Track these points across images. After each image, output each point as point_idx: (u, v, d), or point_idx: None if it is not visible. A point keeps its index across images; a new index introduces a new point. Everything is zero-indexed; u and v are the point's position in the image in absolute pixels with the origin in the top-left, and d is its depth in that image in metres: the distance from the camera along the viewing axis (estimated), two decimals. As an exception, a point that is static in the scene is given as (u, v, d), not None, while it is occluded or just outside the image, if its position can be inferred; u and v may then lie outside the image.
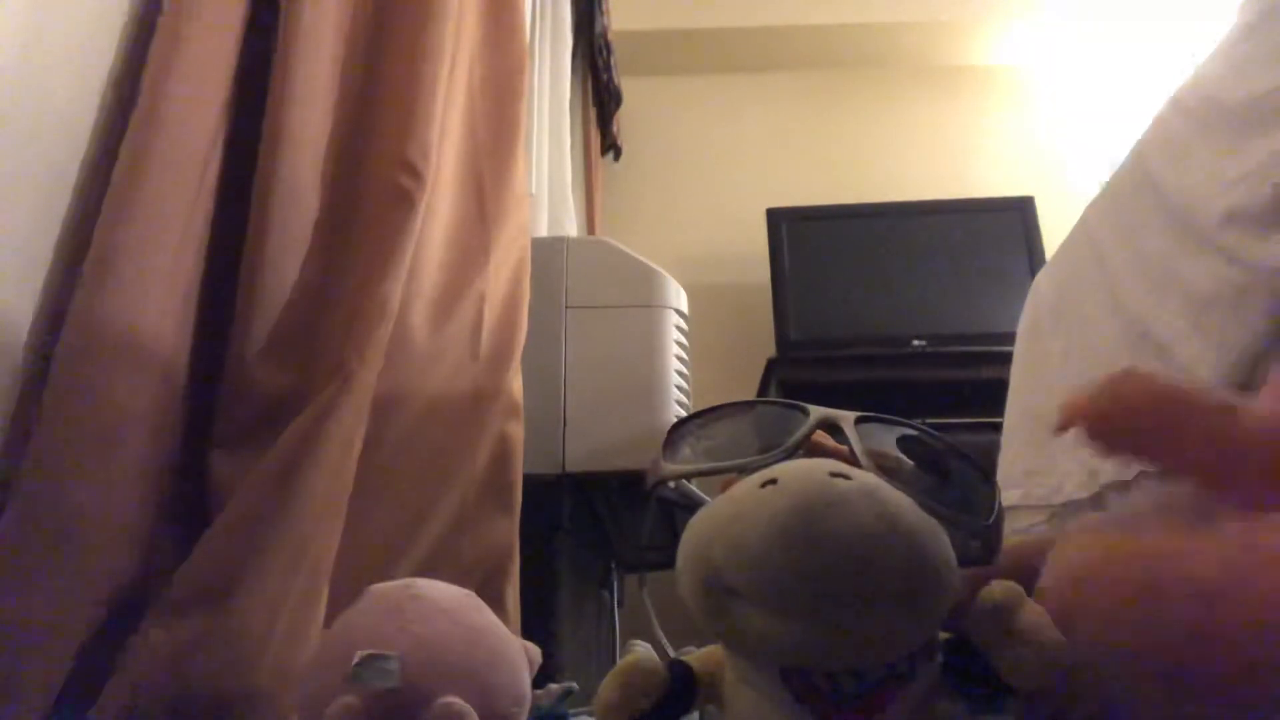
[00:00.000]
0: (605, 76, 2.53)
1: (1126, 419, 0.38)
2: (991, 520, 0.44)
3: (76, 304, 0.62)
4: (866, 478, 0.39)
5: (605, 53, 2.47)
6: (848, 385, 2.15)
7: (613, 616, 1.77)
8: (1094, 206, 1.24)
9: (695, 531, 0.40)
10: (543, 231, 1.71)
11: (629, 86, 2.70)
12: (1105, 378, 0.39)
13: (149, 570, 0.64)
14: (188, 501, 0.69)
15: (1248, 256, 0.82)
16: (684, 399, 1.39)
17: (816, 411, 0.46)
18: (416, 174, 0.87)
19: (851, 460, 0.43)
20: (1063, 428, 0.41)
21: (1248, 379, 0.82)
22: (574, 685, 0.75)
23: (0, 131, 0.62)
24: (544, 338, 1.27)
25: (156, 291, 0.67)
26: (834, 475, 0.37)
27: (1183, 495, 0.45)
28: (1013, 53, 2.90)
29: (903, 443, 0.47)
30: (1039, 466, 1.24)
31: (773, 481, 0.38)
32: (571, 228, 1.91)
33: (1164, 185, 1.02)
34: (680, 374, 1.38)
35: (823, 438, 0.47)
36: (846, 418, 0.46)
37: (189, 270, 0.72)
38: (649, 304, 1.39)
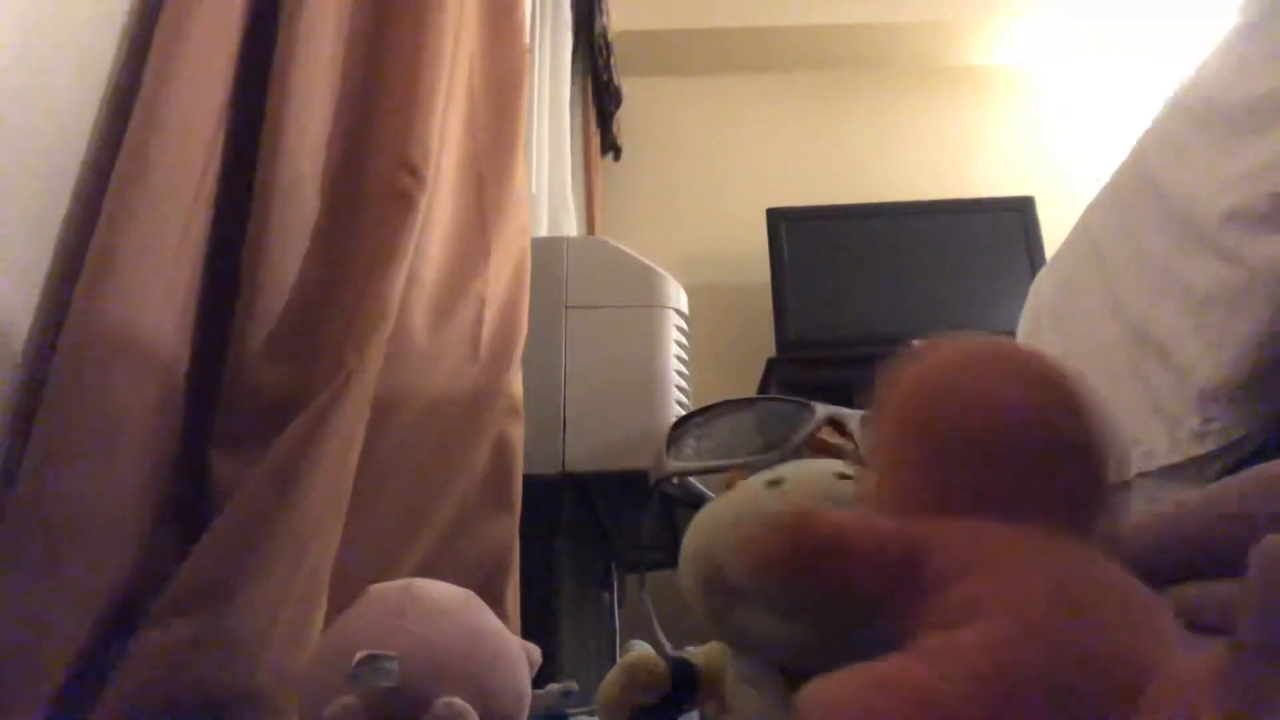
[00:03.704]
0: (605, 76, 2.53)
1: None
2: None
3: (76, 304, 0.62)
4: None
5: (605, 53, 2.47)
6: (848, 385, 2.14)
7: (613, 616, 1.77)
8: (1094, 206, 1.24)
9: (698, 530, 0.40)
10: (543, 231, 1.71)
11: (629, 86, 2.70)
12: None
13: (149, 570, 0.63)
14: (188, 501, 0.69)
15: (1248, 256, 0.82)
16: (684, 399, 1.39)
17: (822, 409, 0.47)
18: (417, 174, 0.87)
19: (855, 459, 0.43)
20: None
21: (1247, 378, 0.82)
22: (574, 685, 0.75)
23: (0, 131, 0.62)
24: (544, 338, 1.27)
25: (156, 291, 0.67)
26: (840, 476, 0.37)
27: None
28: (1013, 53, 2.90)
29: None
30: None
31: (778, 481, 0.38)
32: (571, 228, 1.91)
33: (1164, 185, 1.02)
34: (680, 374, 1.38)
35: (826, 435, 0.47)
36: (852, 415, 0.46)
37: (189, 270, 0.72)
38: (649, 304, 1.39)
